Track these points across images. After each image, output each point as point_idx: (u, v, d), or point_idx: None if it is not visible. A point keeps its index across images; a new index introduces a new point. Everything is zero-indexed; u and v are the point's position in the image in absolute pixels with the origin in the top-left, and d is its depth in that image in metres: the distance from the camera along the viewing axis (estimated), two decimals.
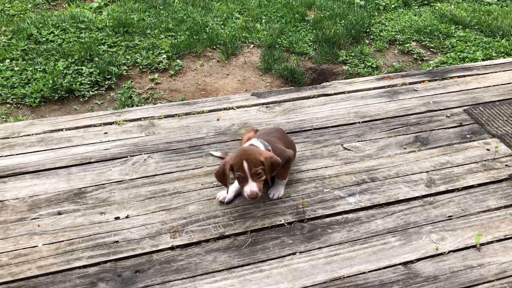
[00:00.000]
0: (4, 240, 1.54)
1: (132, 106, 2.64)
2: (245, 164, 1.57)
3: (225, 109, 2.24)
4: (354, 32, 3.38)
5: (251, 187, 1.57)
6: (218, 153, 1.94)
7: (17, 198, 1.70)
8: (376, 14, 3.76)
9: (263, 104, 2.28)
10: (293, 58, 3.15)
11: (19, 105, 2.66)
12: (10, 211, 1.65)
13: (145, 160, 1.90)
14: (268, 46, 3.25)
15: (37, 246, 1.53)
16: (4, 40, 3.16)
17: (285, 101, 2.31)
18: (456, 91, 2.39)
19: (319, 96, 2.34)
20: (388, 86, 2.43)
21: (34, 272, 1.44)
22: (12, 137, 2.01)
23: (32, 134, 2.03)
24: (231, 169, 1.61)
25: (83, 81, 2.80)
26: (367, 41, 3.40)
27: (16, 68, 2.87)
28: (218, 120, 2.17)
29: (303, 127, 2.11)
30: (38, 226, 1.60)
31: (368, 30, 3.49)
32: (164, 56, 3.08)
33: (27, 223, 1.61)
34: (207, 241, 1.56)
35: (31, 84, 2.75)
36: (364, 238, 1.57)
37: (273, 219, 1.65)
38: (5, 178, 1.79)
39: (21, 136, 2.01)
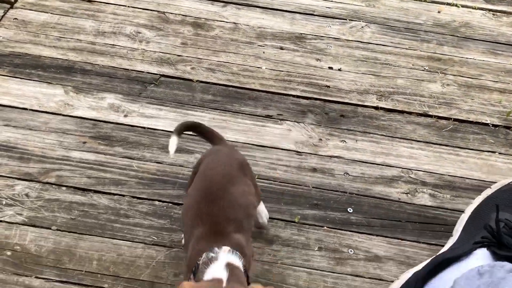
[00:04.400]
0: (235, 54, 1.76)
1: None
2: None
3: (448, 4, 2.15)
4: None
5: None
6: None
7: (248, 25, 1.89)
8: None
9: (490, 10, 2.14)
10: None
11: None
12: (241, 34, 1.85)
13: (362, 27, 1.95)
14: None
15: (261, 68, 1.72)
16: None
17: None
18: None
19: None
20: None
21: (257, 86, 1.65)
22: None
23: None
24: None
25: None
26: None
27: None
28: (439, 12, 2.10)
29: None
30: (263, 52, 1.78)
31: None
32: None
33: (254, 47, 1.80)
34: (410, 113, 1.62)
35: None
36: None
37: (478, 116, 1.64)
38: (239, 5, 1.98)
39: None
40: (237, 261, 0.87)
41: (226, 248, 0.89)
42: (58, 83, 1.56)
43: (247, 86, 1.64)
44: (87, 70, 1.61)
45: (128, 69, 1.64)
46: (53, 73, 1.58)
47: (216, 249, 0.88)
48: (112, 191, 1.30)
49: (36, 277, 1.12)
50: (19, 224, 1.20)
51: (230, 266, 0.85)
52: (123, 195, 1.29)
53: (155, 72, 1.64)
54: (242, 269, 0.87)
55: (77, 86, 1.56)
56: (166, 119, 1.51)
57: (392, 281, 1.17)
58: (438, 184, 1.42)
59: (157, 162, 1.38)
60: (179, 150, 1.41)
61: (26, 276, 1.12)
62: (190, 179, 1.09)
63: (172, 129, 1.45)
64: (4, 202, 1.24)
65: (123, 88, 1.58)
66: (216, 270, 0.84)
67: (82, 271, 1.14)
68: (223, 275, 0.82)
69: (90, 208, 1.26)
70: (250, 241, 1.00)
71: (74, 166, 1.34)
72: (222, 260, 0.86)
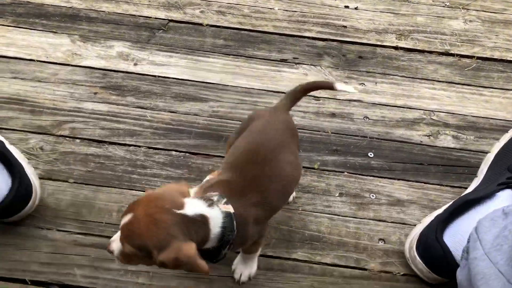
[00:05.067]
0: None
1: None
2: (123, 221, 0.78)
3: None
4: None
5: (113, 239, 0.84)
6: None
7: None
8: None
9: None
10: None
11: None
12: None
13: None
14: None
15: (273, 8, 1.64)
16: None
17: None
18: None
19: None
20: None
21: (270, 29, 1.57)
22: None
23: None
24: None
25: None
26: None
27: None
28: None
29: None
30: None
31: None
32: None
33: None
34: (430, 52, 1.55)
35: None
36: None
37: (503, 53, 1.56)
38: None
39: None
40: (216, 224, 0.78)
41: (229, 208, 0.80)
42: (63, 32, 1.50)
43: (260, 29, 1.57)
44: (92, 18, 1.54)
45: (135, 15, 1.56)
46: (57, 22, 1.52)
47: (223, 200, 0.81)
48: (127, 142, 1.27)
49: (57, 230, 1.12)
50: None
51: (202, 219, 0.77)
52: (139, 146, 1.27)
53: (163, 17, 1.57)
54: (212, 235, 0.78)
55: (83, 34, 1.50)
56: (177, 66, 1.45)
57: (415, 225, 1.15)
58: (461, 126, 1.37)
59: (170, 112, 1.34)
60: (192, 98, 1.37)
61: (48, 229, 1.12)
62: (236, 135, 1.00)
63: (183, 77, 1.42)
64: None
65: (131, 35, 1.51)
66: (195, 207, 0.78)
67: (102, 222, 1.13)
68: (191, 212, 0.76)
69: (106, 160, 1.23)
70: (265, 225, 0.92)
71: (87, 118, 1.31)
72: (208, 209, 0.79)
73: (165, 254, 0.73)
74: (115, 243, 0.82)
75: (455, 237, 1.05)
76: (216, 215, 0.79)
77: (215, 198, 0.81)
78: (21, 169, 1.08)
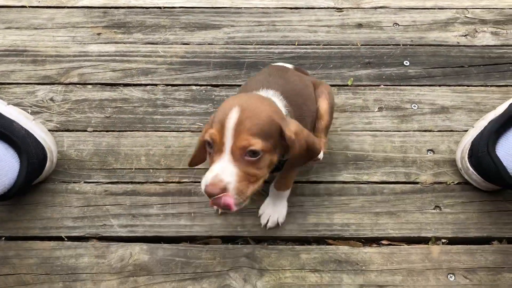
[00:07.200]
0: None
1: None
2: (232, 118, 0.69)
3: None
4: None
5: (218, 171, 0.70)
6: None
7: None
8: None
9: None
10: None
11: None
12: None
13: None
14: None
15: None
16: None
17: None
18: None
19: None
20: None
21: None
22: None
23: None
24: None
25: None
26: None
27: None
28: None
29: None
30: None
31: None
32: None
33: None
34: None
35: None
36: None
37: None
38: None
39: None
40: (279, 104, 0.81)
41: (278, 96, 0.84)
42: None
43: None
44: None
45: None
46: None
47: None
48: (143, 82, 1.17)
49: (85, 182, 1.05)
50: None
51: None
52: (156, 84, 1.17)
53: None
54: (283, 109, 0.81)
55: None
56: None
57: (466, 131, 1.07)
58: (500, 20, 1.26)
59: (183, 44, 1.23)
60: (204, 27, 1.26)
61: (75, 182, 1.04)
62: None
63: (190, 5, 1.29)
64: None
65: None
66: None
67: (132, 169, 1.06)
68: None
69: (123, 103, 1.14)
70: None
71: (94, 61, 1.20)
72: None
73: (291, 127, 0.74)
74: (224, 175, 0.70)
75: (509, 150, 0.97)
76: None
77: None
78: (25, 139, 0.96)
